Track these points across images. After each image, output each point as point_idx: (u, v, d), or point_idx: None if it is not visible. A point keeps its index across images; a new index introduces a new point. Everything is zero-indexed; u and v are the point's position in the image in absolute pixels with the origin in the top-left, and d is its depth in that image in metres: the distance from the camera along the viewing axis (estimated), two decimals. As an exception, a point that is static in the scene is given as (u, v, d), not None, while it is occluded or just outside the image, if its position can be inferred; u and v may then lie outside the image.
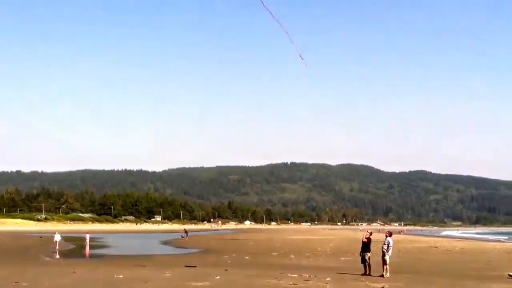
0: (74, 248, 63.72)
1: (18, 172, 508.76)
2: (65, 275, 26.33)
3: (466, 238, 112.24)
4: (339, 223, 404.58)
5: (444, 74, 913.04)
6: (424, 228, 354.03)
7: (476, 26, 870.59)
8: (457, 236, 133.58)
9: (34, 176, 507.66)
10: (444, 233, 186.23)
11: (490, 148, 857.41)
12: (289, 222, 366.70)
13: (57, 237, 57.93)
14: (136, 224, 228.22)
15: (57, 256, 47.62)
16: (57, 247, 55.66)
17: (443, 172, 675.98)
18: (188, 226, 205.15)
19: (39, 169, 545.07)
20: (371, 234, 27.84)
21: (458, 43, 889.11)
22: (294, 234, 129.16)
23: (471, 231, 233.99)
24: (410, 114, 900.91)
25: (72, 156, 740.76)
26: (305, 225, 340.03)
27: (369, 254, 26.63)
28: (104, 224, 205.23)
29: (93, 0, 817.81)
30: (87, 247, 60.92)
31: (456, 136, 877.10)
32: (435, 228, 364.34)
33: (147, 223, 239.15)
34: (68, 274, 26.81)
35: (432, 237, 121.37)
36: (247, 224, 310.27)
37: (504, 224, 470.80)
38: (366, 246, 26.87)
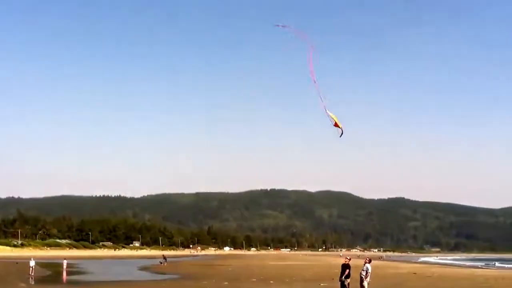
0: (51, 274, 62.86)
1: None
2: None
3: (445, 265, 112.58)
4: (319, 249, 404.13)
5: (422, 100, 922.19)
6: (403, 254, 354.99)
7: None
8: (435, 262, 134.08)
9: (11, 201, 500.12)
10: (422, 259, 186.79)
11: (469, 176, 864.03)
12: (269, 248, 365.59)
13: (32, 263, 57.36)
14: (114, 250, 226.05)
15: (32, 282, 46.89)
16: (32, 273, 54.99)
17: (422, 199, 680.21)
18: (167, 252, 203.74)
19: (16, 195, 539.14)
20: (350, 259, 27.84)
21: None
22: (273, 260, 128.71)
23: (449, 258, 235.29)
24: (390, 141, 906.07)
25: (49, 182, 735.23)
26: (285, 251, 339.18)
27: (348, 280, 26.57)
28: (81, 250, 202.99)
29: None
30: (64, 273, 60.15)
31: (435, 163, 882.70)
32: (413, 254, 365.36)
33: (125, 249, 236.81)
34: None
35: (411, 263, 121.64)
36: (227, 250, 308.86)
37: (482, 250, 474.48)
38: (345, 271, 26.82)
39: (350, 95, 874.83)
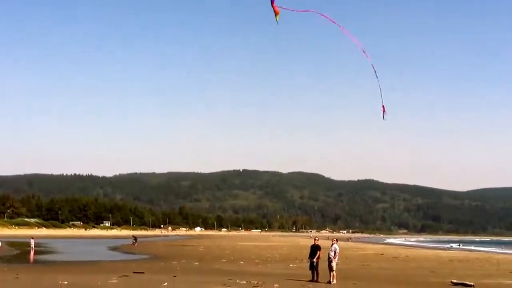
0: (18, 253, 62.33)
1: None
2: (7, 281, 25.77)
3: (411, 246, 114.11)
4: (290, 230, 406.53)
5: (393, 85, 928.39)
6: (372, 235, 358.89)
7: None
8: (402, 244, 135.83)
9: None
10: (388, 240, 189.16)
11: (436, 159, 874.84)
12: (240, 228, 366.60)
13: None
14: (85, 229, 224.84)
15: None
16: None
17: (390, 182, 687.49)
18: (138, 232, 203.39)
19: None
20: (318, 240, 28.12)
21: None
22: (244, 240, 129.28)
23: (414, 239, 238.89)
24: (360, 124, 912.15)
25: (20, 159, 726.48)
26: (255, 232, 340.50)
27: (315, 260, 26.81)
28: (51, 229, 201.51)
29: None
30: (32, 252, 59.67)
31: (404, 146, 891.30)
32: (381, 235, 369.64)
33: (96, 229, 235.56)
34: (10, 280, 26.26)
35: (379, 244, 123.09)
36: (198, 230, 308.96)
37: (448, 232, 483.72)
38: (316, 252, 27.07)
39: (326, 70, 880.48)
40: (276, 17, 20.00)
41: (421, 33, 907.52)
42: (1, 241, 59.22)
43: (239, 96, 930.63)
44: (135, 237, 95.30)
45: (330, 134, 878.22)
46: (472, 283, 26.15)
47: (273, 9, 19.78)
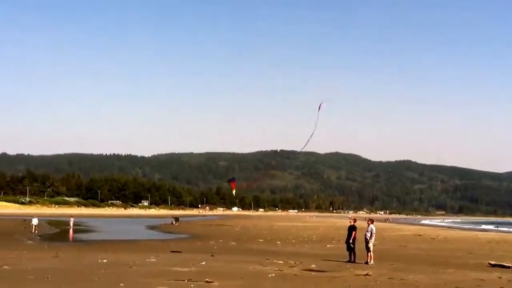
0: (58, 232, 63.43)
1: (4, 154, 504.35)
2: (48, 259, 26.21)
3: (449, 227, 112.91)
4: (326, 211, 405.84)
5: (429, 66, 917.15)
6: (409, 216, 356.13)
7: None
8: (437, 225, 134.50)
9: (20, 159, 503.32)
10: (423, 221, 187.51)
11: (473, 139, 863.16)
12: (277, 209, 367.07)
13: (35, 221, 57.52)
14: (125, 208, 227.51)
15: (31, 241, 46.58)
16: (35, 231, 55.27)
17: (428, 163, 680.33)
18: (176, 212, 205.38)
19: (25, 151, 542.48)
20: (355, 221, 27.97)
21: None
22: (281, 221, 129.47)
23: (449, 220, 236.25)
24: (399, 105, 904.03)
25: (60, 139, 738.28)
26: (292, 212, 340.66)
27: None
28: (90, 209, 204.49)
29: None
30: (71, 231, 60.59)
31: (442, 127, 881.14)
32: (418, 216, 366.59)
33: (134, 208, 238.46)
34: (51, 258, 26.70)
35: (416, 225, 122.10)
36: (235, 210, 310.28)
37: (486, 214, 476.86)
38: (351, 233, 26.96)
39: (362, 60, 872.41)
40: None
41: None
42: (38, 219, 60.03)
43: (277, 76, 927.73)
44: (176, 218, 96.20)
45: (368, 115, 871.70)
46: (510, 265, 25.76)
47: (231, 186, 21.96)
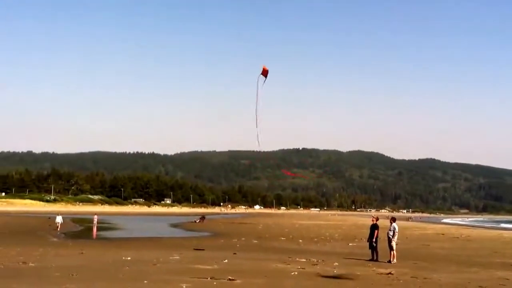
0: (82, 229, 64.00)
1: (29, 152, 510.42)
2: (72, 256, 26.52)
3: (472, 226, 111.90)
4: (349, 209, 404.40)
5: (454, 65, 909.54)
6: (432, 215, 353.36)
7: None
8: (457, 224, 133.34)
9: (45, 157, 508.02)
10: (448, 220, 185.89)
11: (498, 137, 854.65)
12: (299, 207, 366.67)
13: (59, 219, 57.93)
14: (149, 206, 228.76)
15: (56, 239, 46.91)
16: (58, 229, 55.72)
17: (451, 161, 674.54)
18: (198, 210, 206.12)
19: (50, 150, 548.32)
20: (377, 219, 27.92)
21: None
22: (303, 219, 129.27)
23: (470, 219, 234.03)
24: (421, 103, 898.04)
25: (84, 137, 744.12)
26: (314, 211, 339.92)
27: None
28: (113, 206, 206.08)
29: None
30: (95, 229, 61.09)
31: (466, 125, 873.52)
32: (442, 215, 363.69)
33: (157, 206, 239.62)
34: (75, 255, 27.01)
35: (439, 224, 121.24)
36: (257, 208, 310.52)
37: (510, 212, 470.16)
38: (374, 232, 26.94)
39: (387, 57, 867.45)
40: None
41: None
42: (63, 217, 60.59)
43: (299, 74, 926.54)
44: (203, 216, 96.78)
45: (391, 113, 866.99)
46: (536, 264, 25.56)
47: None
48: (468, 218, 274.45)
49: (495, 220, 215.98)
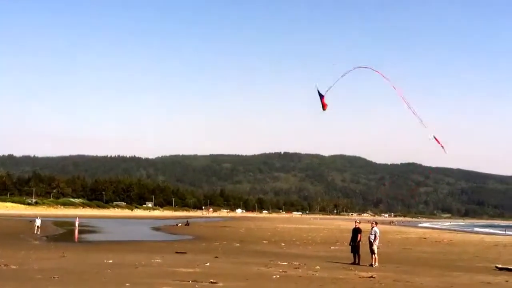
0: (64, 232, 63.67)
1: (10, 156, 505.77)
2: (54, 259, 26.36)
3: (454, 230, 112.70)
4: (331, 213, 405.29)
5: (436, 68, 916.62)
6: (414, 219, 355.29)
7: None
8: (443, 228, 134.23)
9: (26, 160, 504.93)
10: (422, 224, 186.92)
11: (480, 142, 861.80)
12: (281, 211, 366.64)
13: (38, 222, 57.31)
14: (131, 210, 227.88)
15: (37, 242, 46.41)
16: (37, 232, 55.05)
17: (434, 165, 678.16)
18: (180, 213, 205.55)
19: (31, 153, 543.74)
20: (359, 223, 28.08)
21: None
22: (285, 223, 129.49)
23: (449, 223, 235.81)
24: (404, 106, 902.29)
25: (65, 141, 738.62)
26: (296, 214, 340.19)
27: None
28: (95, 210, 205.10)
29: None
30: (76, 232, 60.77)
31: (448, 129, 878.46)
32: (424, 219, 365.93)
33: (139, 209, 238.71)
34: (57, 258, 26.85)
35: (421, 228, 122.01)
36: (239, 212, 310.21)
37: (492, 217, 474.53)
38: (356, 235, 27.05)
39: (368, 60, 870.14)
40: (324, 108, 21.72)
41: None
42: (43, 221, 60.12)
43: (282, 78, 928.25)
44: (187, 222, 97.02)
45: (372, 117, 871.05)
46: (517, 268, 25.73)
47: (322, 103, 21.55)
48: (447, 222, 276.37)
49: (471, 224, 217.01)
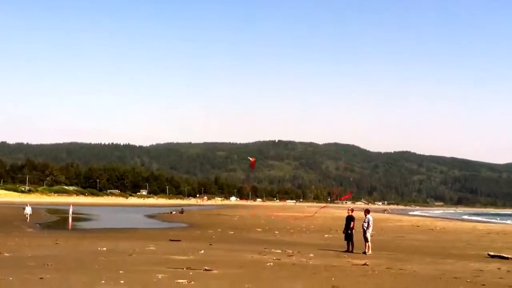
0: (58, 220, 63.63)
1: (3, 143, 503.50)
2: (47, 246, 26.34)
3: (448, 218, 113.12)
4: (324, 201, 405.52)
5: (430, 58, 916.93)
6: (407, 207, 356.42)
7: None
8: (425, 216, 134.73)
9: (19, 147, 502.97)
10: (415, 212, 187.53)
11: (473, 131, 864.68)
12: (275, 199, 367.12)
13: (28, 210, 56.89)
14: (126, 198, 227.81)
15: (31, 229, 46.26)
16: (28, 220, 54.74)
17: (427, 153, 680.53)
18: (174, 201, 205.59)
19: (25, 141, 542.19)
20: (352, 211, 28.13)
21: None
22: (279, 210, 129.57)
23: (439, 211, 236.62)
24: (398, 96, 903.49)
25: (59, 128, 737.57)
26: (290, 202, 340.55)
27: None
28: (88, 197, 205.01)
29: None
30: (70, 219, 60.72)
31: (442, 118, 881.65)
32: (417, 207, 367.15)
33: (133, 197, 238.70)
34: (51, 245, 26.84)
35: (415, 216, 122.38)
36: (233, 200, 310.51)
37: (485, 205, 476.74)
38: (349, 223, 27.11)
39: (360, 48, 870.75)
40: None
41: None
42: (36, 208, 59.98)
43: (278, 67, 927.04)
44: (182, 210, 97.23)
45: (367, 105, 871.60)
46: (509, 256, 25.80)
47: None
48: (434, 210, 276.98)
49: (478, 213, 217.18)
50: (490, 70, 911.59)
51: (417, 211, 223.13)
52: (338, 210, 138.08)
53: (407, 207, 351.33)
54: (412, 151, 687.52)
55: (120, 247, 25.98)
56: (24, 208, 59.02)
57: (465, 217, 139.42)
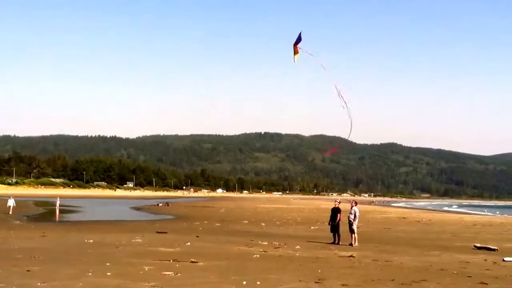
0: (45, 212, 63.39)
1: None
2: (35, 239, 26.31)
3: (434, 210, 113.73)
4: (311, 193, 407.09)
5: (417, 49, 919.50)
6: (394, 199, 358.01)
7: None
8: (424, 208, 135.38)
9: (6, 140, 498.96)
10: (395, 204, 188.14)
11: (459, 122, 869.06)
12: (261, 191, 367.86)
13: (11, 202, 55.95)
14: (114, 190, 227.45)
15: (18, 221, 45.68)
16: (10, 212, 54.08)
17: (413, 145, 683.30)
18: (160, 193, 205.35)
19: (11, 133, 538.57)
20: (339, 203, 28.28)
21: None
22: (265, 203, 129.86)
23: (423, 203, 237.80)
24: (384, 87, 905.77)
25: (45, 121, 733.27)
26: (276, 194, 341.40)
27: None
28: (75, 190, 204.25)
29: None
30: (57, 211, 60.50)
31: (428, 110, 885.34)
32: (404, 199, 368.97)
33: (119, 189, 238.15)
34: (38, 238, 26.79)
35: (401, 208, 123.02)
36: (219, 192, 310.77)
37: (472, 197, 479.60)
38: (336, 215, 27.23)
39: (346, 40, 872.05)
40: (294, 56, 20.74)
41: None
42: (21, 200, 59.46)
43: (263, 59, 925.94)
44: (167, 203, 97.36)
45: (353, 97, 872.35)
46: (496, 247, 26.03)
47: (294, 49, 20.57)
48: (420, 202, 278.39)
49: (465, 204, 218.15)
50: (477, 61, 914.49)
51: (403, 202, 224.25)
52: (325, 202, 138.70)
53: (394, 199, 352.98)
54: (398, 143, 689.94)
55: (107, 239, 25.99)
56: (7, 201, 58.36)
57: (452, 208, 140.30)
